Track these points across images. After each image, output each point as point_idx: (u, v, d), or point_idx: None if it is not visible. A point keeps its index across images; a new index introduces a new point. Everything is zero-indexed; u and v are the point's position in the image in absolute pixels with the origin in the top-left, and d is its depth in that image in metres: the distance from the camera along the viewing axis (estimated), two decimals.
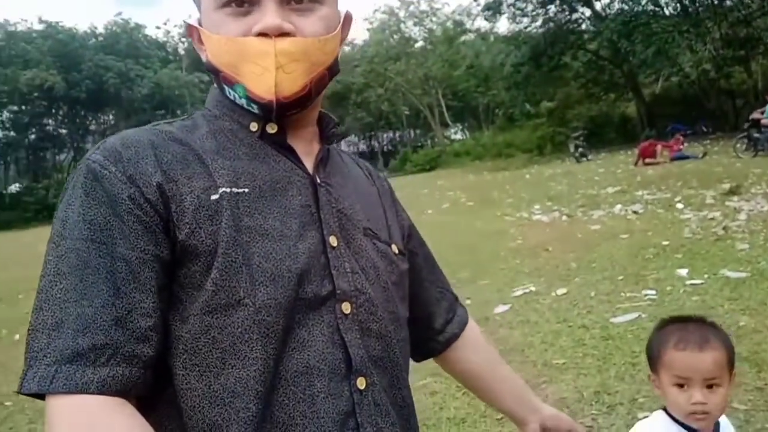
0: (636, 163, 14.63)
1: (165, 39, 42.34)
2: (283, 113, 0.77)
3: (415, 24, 38.34)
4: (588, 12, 25.27)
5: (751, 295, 3.96)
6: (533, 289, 5.06)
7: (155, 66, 37.52)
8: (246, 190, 0.74)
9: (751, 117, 13.32)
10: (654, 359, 1.23)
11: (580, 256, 5.92)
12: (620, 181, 11.67)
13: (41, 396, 0.64)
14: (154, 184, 0.70)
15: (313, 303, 0.73)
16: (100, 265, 0.66)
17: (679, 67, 21.14)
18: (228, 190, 0.73)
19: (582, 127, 22.81)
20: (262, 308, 0.69)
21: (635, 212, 8.00)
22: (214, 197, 0.72)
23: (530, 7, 24.72)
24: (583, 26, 25.81)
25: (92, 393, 0.62)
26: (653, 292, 4.36)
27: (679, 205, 7.96)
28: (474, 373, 1.06)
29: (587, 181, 12.48)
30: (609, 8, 24.91)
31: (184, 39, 41.28)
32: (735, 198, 7.83)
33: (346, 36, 0.87)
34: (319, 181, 0.81)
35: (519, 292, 5.01)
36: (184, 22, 0.86)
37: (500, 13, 25.24)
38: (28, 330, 0.66)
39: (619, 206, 8.64)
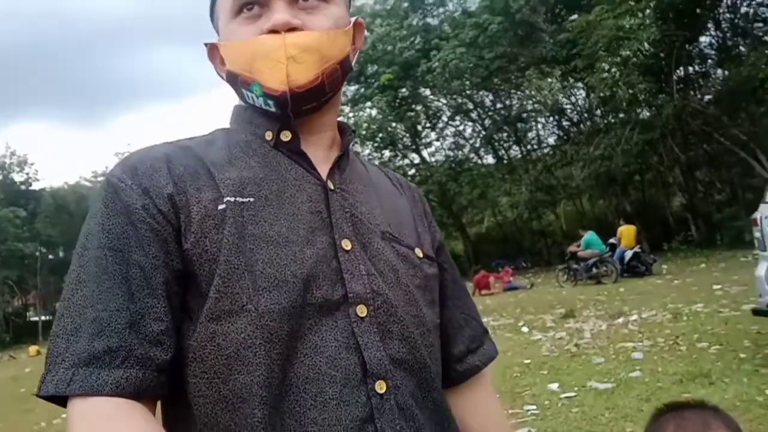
0: (473, 294, 15.42)
1: None
2: (299, 107, 0.78)
3: None
4: (417, 159, 27.61)
5: (625, 403, 4.05)
6: None
7: None
8: (251, 199, 0.75)
9: (569, 250, 14.85)
10: None
11: None
12: None
13: (60, 401, 0.66)
14: (166, 195, 0.73)
15: (324, 308, 0.73)
16: (116, 272, 0.69)
17: (498, 209, 23.48)
18: (233, 199, 0.74)
19: None
20: (265, 313, 0.70)
21: None
22: (221, 207, 0.74)
23: (366, 152, 26.49)
24: (412, 171, 28.05)
25: (107, 394, 0.64)
26: (534, 407, 4.31)
27: (525, 329, 8.34)
28: (475, 425, 0.94)
29: None
30: (434, 156, 27.51)
31: None
32: (571, 320, 8.40)
33: (360, 45, 0.89)
34: (332, 186, 0.81)
35: None
36: (205, 44, 0.86)
37: None
38: (50, 337, 0.69)
39: None
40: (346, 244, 0.77)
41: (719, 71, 19.97)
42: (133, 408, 0.65)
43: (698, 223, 19.40)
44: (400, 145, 26.85)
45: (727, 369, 4.49)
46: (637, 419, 3.67)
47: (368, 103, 23.40)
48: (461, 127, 26.91)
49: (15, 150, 39.06)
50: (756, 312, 4.76)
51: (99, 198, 0.74)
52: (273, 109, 0.79)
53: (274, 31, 0.76)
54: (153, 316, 0.68)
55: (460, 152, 26.58)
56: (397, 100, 23.11)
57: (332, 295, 0.73)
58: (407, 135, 26.36)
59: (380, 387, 0.72)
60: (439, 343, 0.87)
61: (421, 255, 0.87)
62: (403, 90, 22.91)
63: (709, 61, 20.55)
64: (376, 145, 25.96)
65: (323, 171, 0.82)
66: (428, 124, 26.73)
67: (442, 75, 19.68)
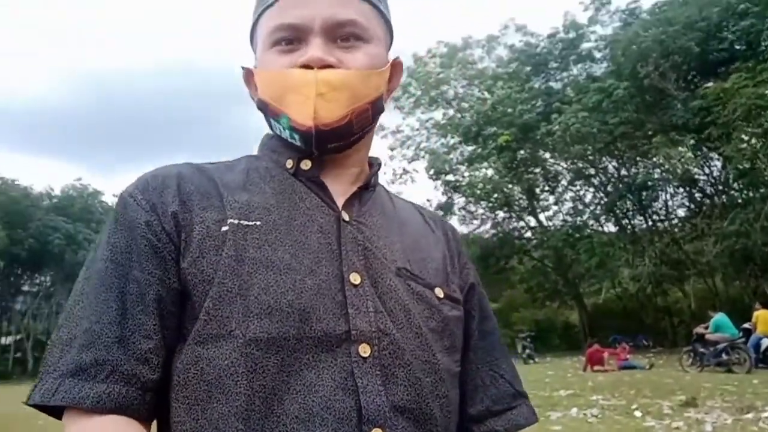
0: (585, 369, 14.49)
1: None
2: (324, 145, 0.77)
3: None
4: (533, 221, 26.91)
5: None
6: None
7: None
8: (258, 223, 0.74)
9: (695, 331, 13.64)
10: None
11: None
12: (572, 384, 11.38)
13: (53, 411, 0.66)
14: (170, 213, 0.73)
15: (323, 343, 0.69)
16: (114, 285, 0.69)
17: (618, 281, 22.13)
18: (236, 222, 0.73)
19: (528, 330, 22.99)
20: (252, 341, 0.67)
21: (594, 416, 7.62)
22: (224, 229, 0.72)
23: (480, 211, 26.24)
24: (528, 234, 27.29)
25: (87, 407, 0.63)
26: None
27: (637, 413, 7.65)
28: None
29: (538, 383, 12.11)
30: (551, 220, 26.67)
31: None
32: (692, 410, 7.60)
33: (397, 84, 0.88)
34: (347, 218, 0.79)
35: None
36: (242, 67, 0.87)
37: (452, 213, 26.54)
38: (48, 346, 0.69)
39: (575, 409, 8.25)
40: (355, 278, 0.74)
41: None
42: (126, 424, 0.65)
43: None
44: (516, 207, 26.35)
45: None
46: None
47: (485, 164, 23.32)
48: (581, 192, 25.99)
49: None
50: None
51: (112, 213, 0.76)
52: (298, 143, 0.79)
53: (307, 66, 0.76)
54: (143, 333, 0.67)
55: (578, 218, 25.58)
56: (515, 162, 22.82)
57: (334, 329, 0.70)
58: (524, 197, 25.84)
59: None
60: (456, 394, 0.81)
61: (441, 295, 0.81)
62: (522, 152, 22.62)
63: None
64: (490, 205, 25.68)
65: (342, 203, 0.80)
66: (546, 188, 26.07)
67: (562, 139, 19.25)
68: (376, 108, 0.80)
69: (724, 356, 12.22)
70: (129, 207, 0.74)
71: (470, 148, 24.25)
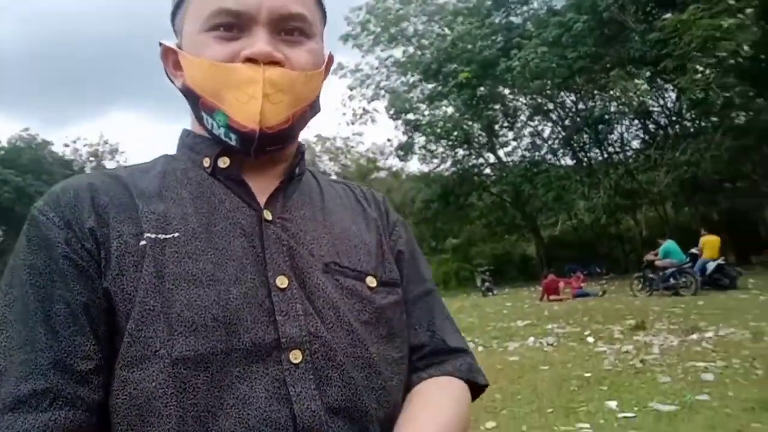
0: (542, 299, 15.03)
1: (72, 157, 40.73)
2: (263, 147, 0.74)
3: (330, 159, 39.63)
4: (492, 158, 27.15)
5: (687, 429, 3.82)
6: None
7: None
8: (176, 234, 0.70)
9: (645, 258, 14.20)
10: None
11: (504, 387, 5.67)
12: (529, 315, 11.82)
13: None
14: (87, 229, 0.69)
15: (253, 354, 0.67)
16: (39, 309, 0.65)
17: (575, 213, 22.73)
18: (153, 236, 0.70)
19: (486, 263, 23.57)
20: (179, 361, 0.64)
21: (550, 344, 7.98)
22: (141, 243, 0.69)
23: (440, 150, 26.27)
24: (487, 170, 27.56)
25: None
26: (587, 425, 4.12)
27: (590, 339, 8.04)
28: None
29: (496, 314, 12.56)
30: (510, 156, 26.96)
31: (92, 158, 40.10)
32: (641, 333, 8.01)
33: (326, 77, 0.85)
34: (270, 217, 0.75)
35: None
36: (160, 43, 0.81)
37: (413, 153, 26.53)
38: None
39: (532, 339, 8.62)
40: (282, 282, 0.71)
41: None
42: None
43: None
44: (475, 144, 26.48)
45: None
46: None
47: (444, 101, 23.18)
48: (540, 128, 26.24)
49: (108, 139, 41.36)
50: None
51: (23, 232, 0.70)
52: (233, 143, 0.74)
53: (250, 59, 0.71)
54: (81, 355, 0.64)
55: (537, 153, 25.90)
56: (475, 99, 22.74)
57: (263, 339, 0.67)
58: (483, 134, 25.92)
59: None
60: (400, 380, 0.78)
61: (373, 284, 0.78)
62: (482, 89, 22.51)
63: None
64: (450, 143, 25.73)
65: (264, 200, 0.77)
66: (506, 124, 26.19)
67: (522, 74, 19.20)
68: (314, 110, 0.79)
69: (672, 281, 12.80)
70: (42, 225, 0.69)
71: (430, 86, 23.97)
